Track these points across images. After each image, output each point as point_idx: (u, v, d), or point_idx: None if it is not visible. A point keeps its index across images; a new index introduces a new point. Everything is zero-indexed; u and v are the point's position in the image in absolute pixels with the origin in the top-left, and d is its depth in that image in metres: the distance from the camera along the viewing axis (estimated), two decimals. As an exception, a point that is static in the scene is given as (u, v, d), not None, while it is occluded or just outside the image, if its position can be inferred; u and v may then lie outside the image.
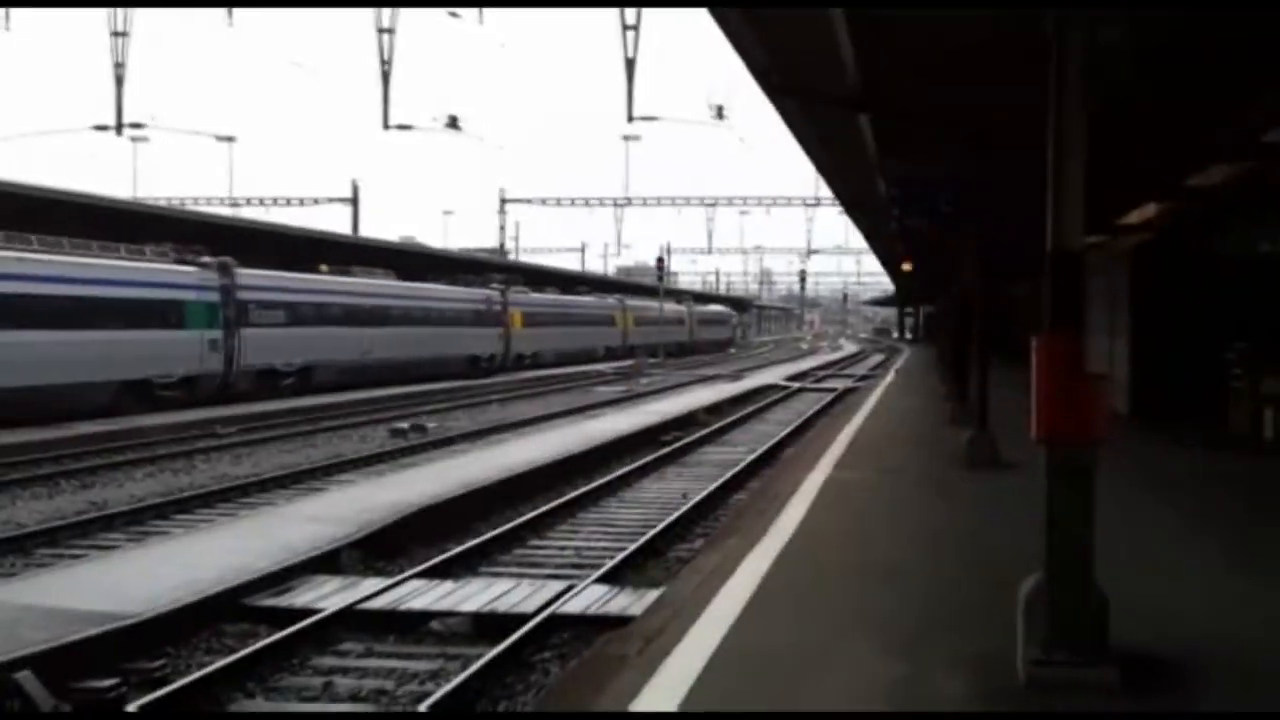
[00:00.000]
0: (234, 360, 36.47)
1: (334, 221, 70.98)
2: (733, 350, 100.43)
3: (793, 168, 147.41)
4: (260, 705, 8.69)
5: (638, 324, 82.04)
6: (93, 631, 9.33)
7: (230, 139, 68.88)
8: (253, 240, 41.99)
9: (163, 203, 57.36)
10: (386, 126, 44.72)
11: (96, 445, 24.20)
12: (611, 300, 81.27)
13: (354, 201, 66.99)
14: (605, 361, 69.52)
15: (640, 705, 5.78)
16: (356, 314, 44.00)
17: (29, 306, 28.51)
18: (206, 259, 36.34)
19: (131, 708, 8.15)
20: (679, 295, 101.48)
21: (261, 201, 70.44)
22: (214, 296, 35.95)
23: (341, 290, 44.06)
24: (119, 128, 44.25)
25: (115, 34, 40.66)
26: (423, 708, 8.20)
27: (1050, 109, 6.21)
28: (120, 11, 40.48)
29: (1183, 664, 6.37)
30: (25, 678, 8.22)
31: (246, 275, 37.60)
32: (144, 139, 56.48)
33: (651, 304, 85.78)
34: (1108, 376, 6.65)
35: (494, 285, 58.48)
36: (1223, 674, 6.29)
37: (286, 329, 39.41)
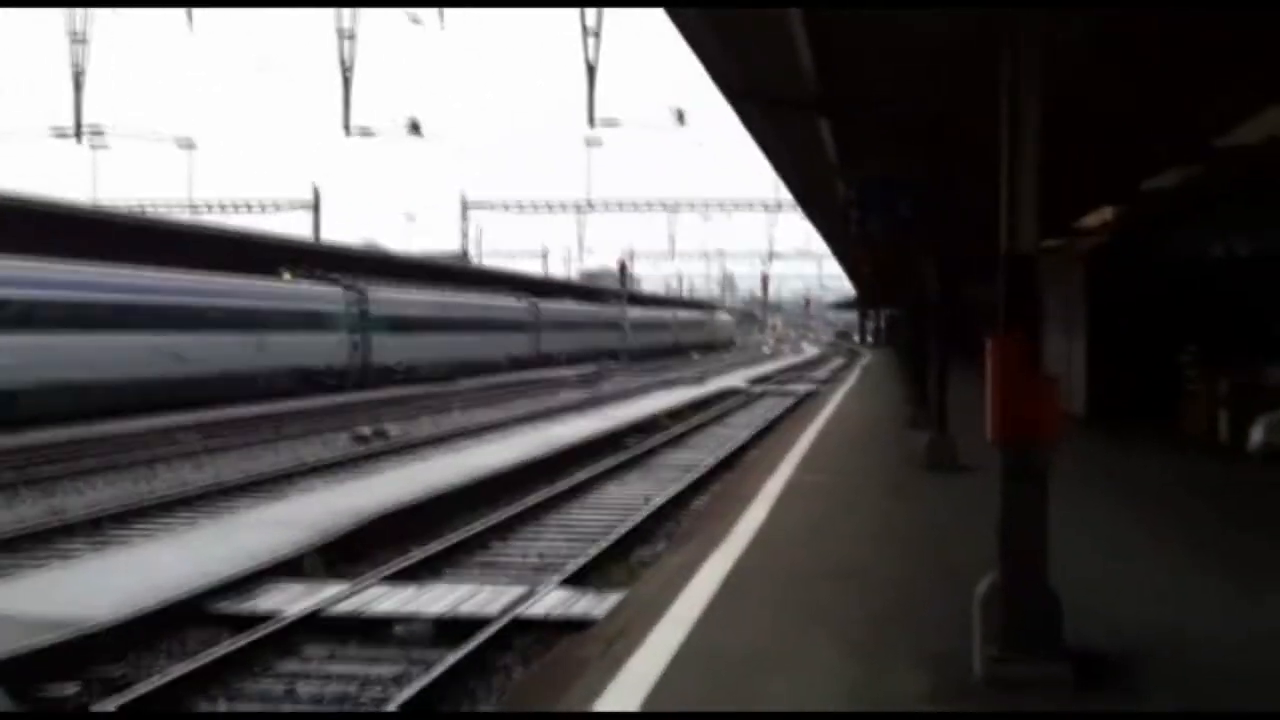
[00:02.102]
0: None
1: (294, 227, 70.78)
2: (695, 356, 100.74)
3: (754, 171, 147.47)
4: (223, 710, 8.69)
5: (557, 329, 76.50)
6: (54, 638, 9.32)
7: (190, 144, 68.60)
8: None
9: (122, 208, 57.02)
10: (348, 131, 44.63)
11: (57, 453, 24.07)
12: (518, 303, 71.36)
13: (315, 207, 66.79)
14: (510, 372, 62.24)
15: (603, 705, 5.83)
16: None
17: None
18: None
19: (98, 708, 8.14)
20: (635, 299, 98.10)
21: (222, 207, 70.06)
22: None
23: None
24: (79, 133, 44.01)
25: (74, 39, 40.41)
26: (391, 708, 8.22)
27: (1003, 112, 6.28)
28: (79, 13, 40.24)
29: (1136, 661, 6.47)
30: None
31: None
32: (103, 145, 56.06)
33: (573, 307, 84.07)
34: (1060, 378, 6.73)
35: (340, 281, 49.76)
36: (1174, 671, 6.38)
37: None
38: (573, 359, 74.17)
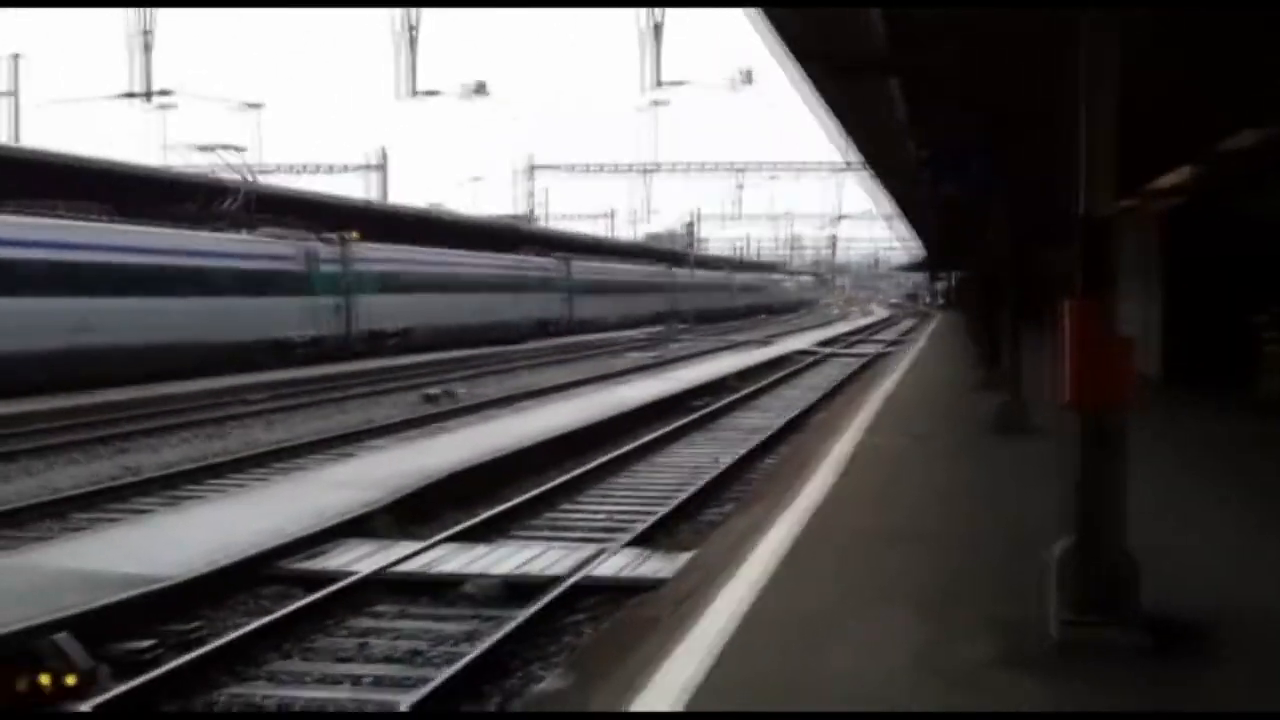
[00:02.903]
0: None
1: (361, 190, 70.92)
2: (763, 318, 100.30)
3: (822, 133, 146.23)
4: (297, 666, 8.78)
5: (594, 292, 69.73)
6: (129, 595, 9.45)
7: (257, 106, 68.98)
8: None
9: (190, 171, 57.49)
10: (413, 93, 44.68)
11: (131, 412, 24.39)
12: (544, 261, 64.35)
13: (382, 169, 67.05)
14: (539, 339, 56.22)
15: (672, 665, 5.82)
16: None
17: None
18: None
19: (166, 668, 8.24)
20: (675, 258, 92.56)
21: (290, 169, 70.47)
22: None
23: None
24: (147, 95, 44.35)
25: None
26: (458, 667, 8.27)
27: (1081, 73, 6.18)
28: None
29: (1214, 627, 6.38)
30: (63, 640, 8.34)
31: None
32: (172, 106, 56.38)
33: (616, 266, 77.09)
34: (1135, 341, 6.64)
35: (324, 236, 43.04)
36: (1251, 637, 6.30)
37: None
38: (615, 325, 69.14)
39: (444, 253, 52.10)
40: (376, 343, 43.63)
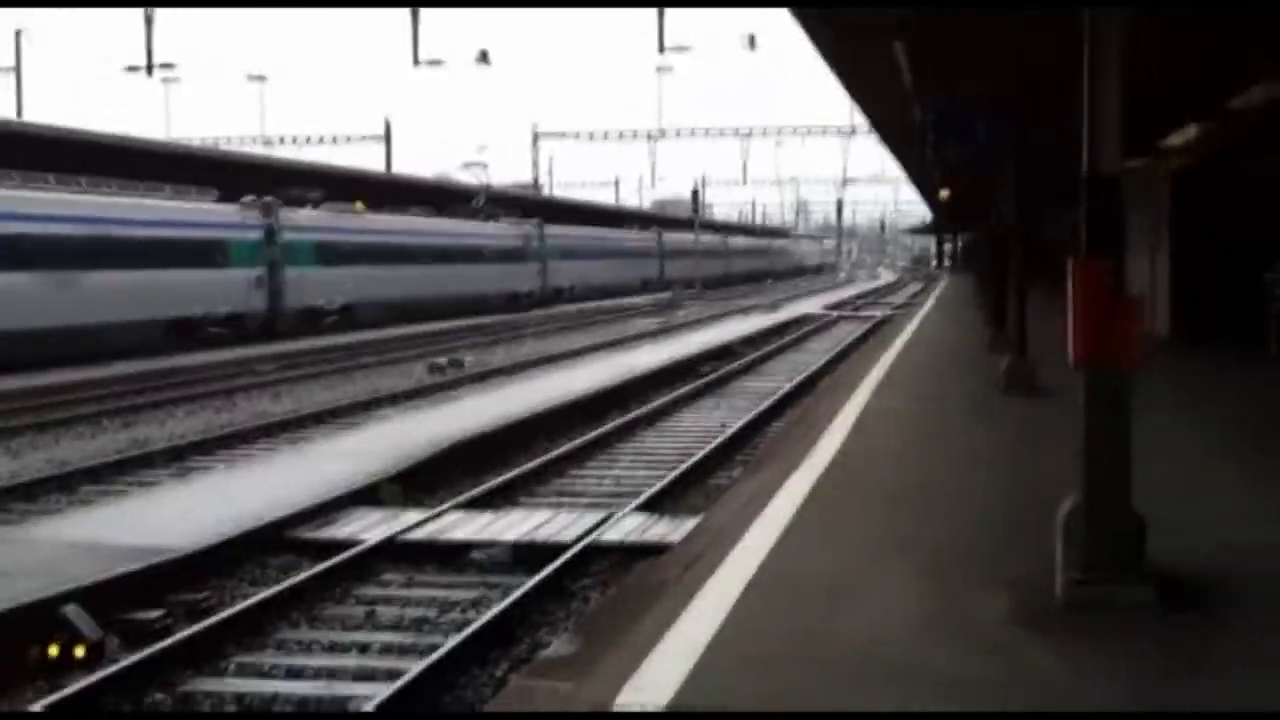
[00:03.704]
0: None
1: (366, 160, 70.59)
2: (769, 283, 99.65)
3: (828, 96, 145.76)
4: (305, 634, 8.79)
5: (572, 257, 63.68)
6: (138, 565, 9.47)
7: (261, 78, 68.89)
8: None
9: (196, 143, 57.40)
10: (417, 62, 44.56)
11: (137, 384, 24.41)
12: (512, 228, 57.69)
13: (387, 139, 66.90)
14: (509, 313, 49.99)
15: (680, 629, 5.81)
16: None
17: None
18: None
19: (171, 641, 8.26)
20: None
21: (295, 140, 70.35)
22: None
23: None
24: (149, 68, 44.27)
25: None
26: (466, 634, 8.28)
27: (1085, 30, 6.13)
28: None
29: (1219, 584, 6.36)
30: (72, 611, 8.36)
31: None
32: (175, 79, 56.28)
33: (594, 232, 69.97)
34: (1143, 299, 6.60)
35: (244, 200, 37.28)
36: (1259, 593, 6.28)
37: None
38: (597, 295, 63.42)
39: (393, 219, 46.18)
40: (310, 321, 38.13)
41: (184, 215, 34.18)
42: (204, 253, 34.29)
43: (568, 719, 5.11)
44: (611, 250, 71.26)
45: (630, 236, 77.46)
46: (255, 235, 36.68)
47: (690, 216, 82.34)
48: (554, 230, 61.59)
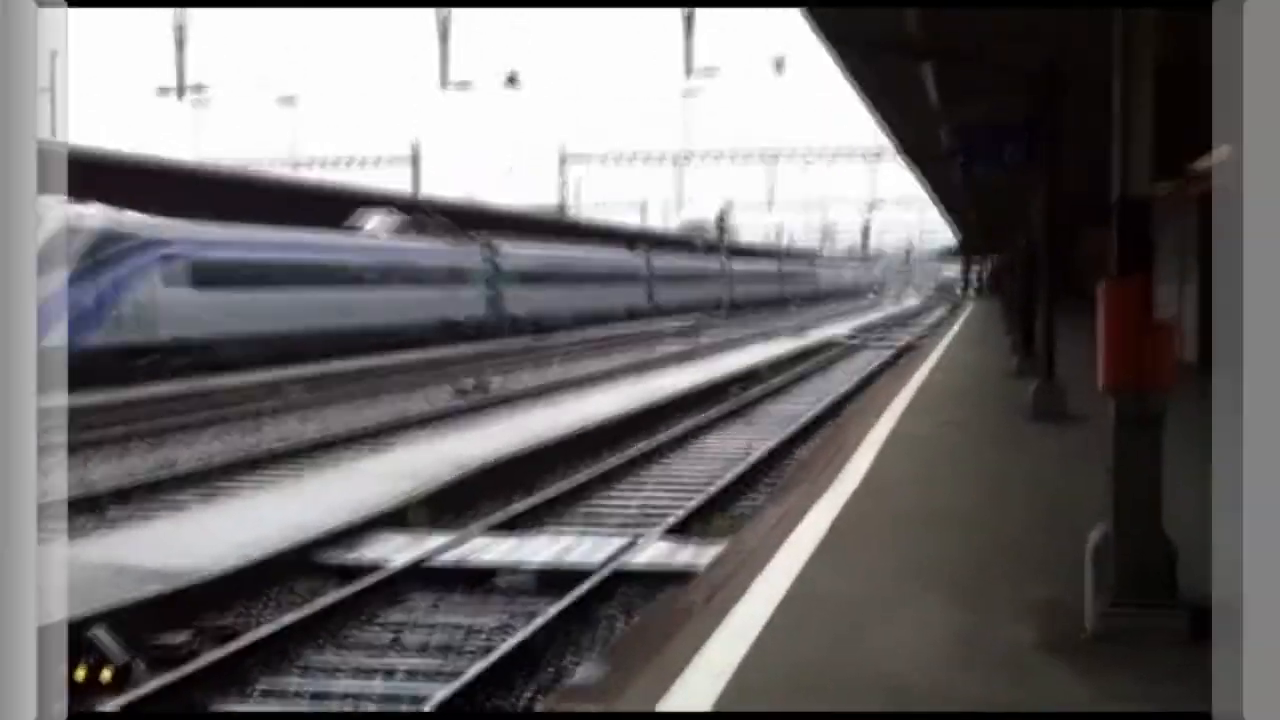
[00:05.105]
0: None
1: (394, 182, 70.26)
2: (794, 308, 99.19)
3: (855, 119, 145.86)
4: (330, 659, 8.79)
5: (533, 283, 53.95)
6: (165, 587, 9.48)
7: (291, 100, 69.16)
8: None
9: (225, 165, 57.65)
10: (445, 84, 44.65)
11: (165, 406, 24.47)
12: (458, 248, 49.24)
13: (414, 161, 67.12)
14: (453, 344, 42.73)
15: (708, 654, 5.79)
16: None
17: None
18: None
19: (200, 664, 8.26)
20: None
21: (323, 164, 70.58)
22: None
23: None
24: (180, 91, 44.47)
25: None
26: (492, 659, 8.26)
27: (1116, 54, 6.11)
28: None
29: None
30: (99, 634, 8.37)
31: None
32: (204, 102, 56.53)
33: (569, 253, 61.15)
34: (1173, 324, 6.55)
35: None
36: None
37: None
38: (570, 325, 55.47)
39: (277, 232, 37.46)
40: (166, 361, 30.28)
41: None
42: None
43: (568, 718, 5.09)
44: (588, 274, 62.12)
45: (610, 257, 68.72)
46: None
47: (687, 237, 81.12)
48: (512, 249, 53.21)
